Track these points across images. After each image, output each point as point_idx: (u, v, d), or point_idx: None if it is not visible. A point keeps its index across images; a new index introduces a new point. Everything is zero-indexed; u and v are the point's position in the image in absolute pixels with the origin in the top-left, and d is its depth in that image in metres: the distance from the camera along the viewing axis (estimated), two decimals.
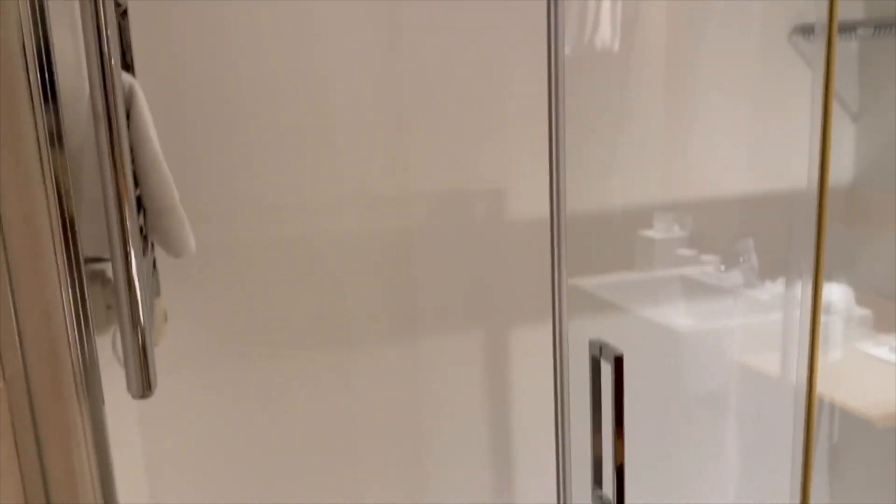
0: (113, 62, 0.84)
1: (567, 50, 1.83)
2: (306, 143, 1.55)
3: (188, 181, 1.49)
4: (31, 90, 0.67)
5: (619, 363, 0.97)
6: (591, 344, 1.03)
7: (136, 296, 0.89)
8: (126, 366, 0.90)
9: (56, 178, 0.69)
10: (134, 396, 0.91)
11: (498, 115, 1.69)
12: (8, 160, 0.65)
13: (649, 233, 2.25)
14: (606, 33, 2.05)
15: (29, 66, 0.67)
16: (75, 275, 0.72)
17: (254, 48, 1.48)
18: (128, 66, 1.28)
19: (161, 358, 1.53)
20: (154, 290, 1.37)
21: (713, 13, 2.05)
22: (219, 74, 1.47)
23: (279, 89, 1.52)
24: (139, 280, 0.89)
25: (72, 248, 0.71)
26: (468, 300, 1.74)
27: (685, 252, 2.28)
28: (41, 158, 0.67)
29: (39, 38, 0.70)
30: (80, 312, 0.74)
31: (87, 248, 0.99)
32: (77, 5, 0.80)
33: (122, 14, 1.25)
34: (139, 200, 1.06)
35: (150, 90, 1.43)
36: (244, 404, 1.61)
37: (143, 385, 0.91)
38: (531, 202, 1.76)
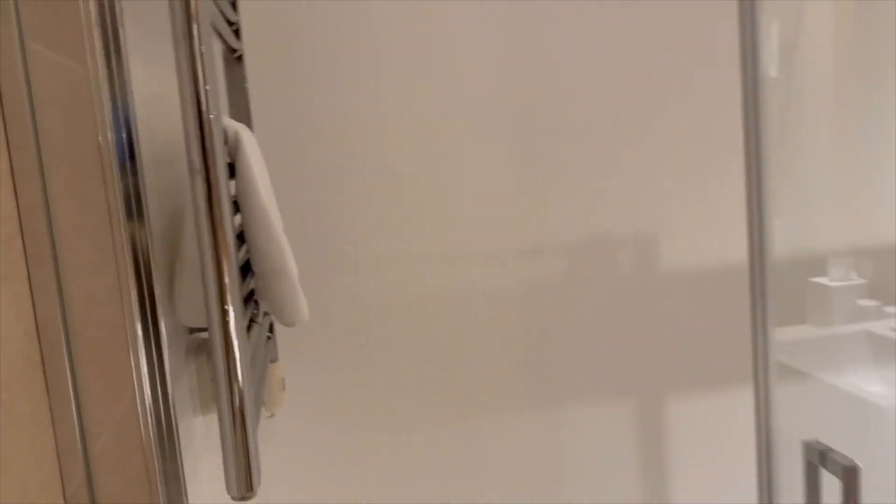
0: (208, 110, 0.72)
1: (728, 80, 1.60)
2: (431, 193, 1.41)
3: (304, 237, 1.38)
4: (102, 154, 0.55)
5: (851, 477, 0.72)
6: (808, 447, 0.79)
7: (236, 381, 0.76)
8: (225, 463, 0.77)
9: (134, 249, 0.57)
10: (234, 498, 0.76)
11: (644, 153, 1.48)
12: (78, 230, 0.53)
13: (822, 280, 1.94)
14: (764, 62, 1.80)
15: (99, 127, 0.55)
16: (156, 364, 0.59)
17: (375, 94, 1.37)
18: (245, 112, 1.19)
19: (279, 427, 1.41)
20: (269, 356, 1.26)
21: (888, 32, 1.76)
22: (337, 122, 1.37)
23: (401, 135, 1.39)
24: (241, 356, 0.75)
25: (152, 331, 0.58)
26: (616, 361, 1.52)
27: (866, 303, 1.95)
28: (112, 229, 0.54)
29: (116, 94, 0.58)
30: (162, 407, 0.61)
31: (191, 317, 0.87)
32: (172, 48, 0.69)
33: (237, 59, 1.17)
34: (248, 262, 0.94)
35: (265, 139, 1.34)
36: (368, 475, 1.46)
37: (243, 484, 0.77)
38: (689, 249, 1.53)
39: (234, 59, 1.17)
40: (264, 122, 1.34)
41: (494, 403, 1.49)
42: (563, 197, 1.46)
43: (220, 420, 0.76)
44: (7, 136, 0.50)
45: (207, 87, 0.72)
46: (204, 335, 0.96)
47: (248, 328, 0.95)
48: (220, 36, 1.02)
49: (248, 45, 1.28)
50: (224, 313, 0.75)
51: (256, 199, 0.84)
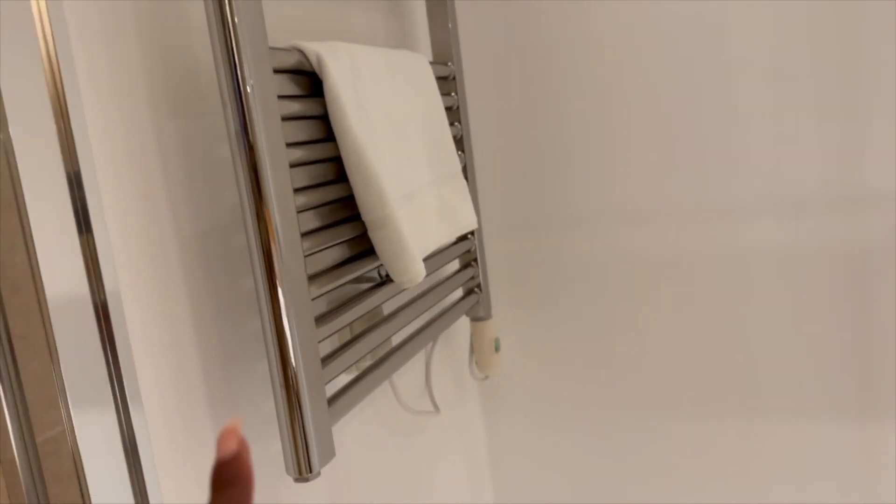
0: (234, 19, 0.61)
1: None
2: (695, 123, 1.09)
3: (539, 182, 1.19)
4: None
5: None
6: None
7: (287, 354, 0.65)
8: (281, 440, 0.68)
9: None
10: (293, 478, 0.68)
11: None
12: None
13: None
14: None
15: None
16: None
17: (624, 11, 1.09)
18: (444, 30, 1.05)
19: (491, 392, 1.28)
20: (472, 313, 1.12)
21: None
22: (569, 36, 1.13)
23: (650, 46, 1.09)
24: (295, 325, 0.65)
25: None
26: None
27: None
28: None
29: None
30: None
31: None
32: None
33: None
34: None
35: (476, 65, 1.18)
36: (593, 466, 1.25)
37: (299, 465, 0.67)
38: None
39: None
40: (474, 44, 1.17)
41: (789, 403, 1.13)
42: (889, 135, 1.00)
43: (276, 405, 0.67)
44: None
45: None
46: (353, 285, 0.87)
47: (380, 286, 0.83)
48: None
49: None
50: (273, 290, 0.65)
51: (349, 135, 0.71)
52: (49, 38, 0.51)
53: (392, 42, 1.06)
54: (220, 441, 0.28)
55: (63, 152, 0.52)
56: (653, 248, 1.15)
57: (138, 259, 0.61)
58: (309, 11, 0.86)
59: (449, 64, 1.05)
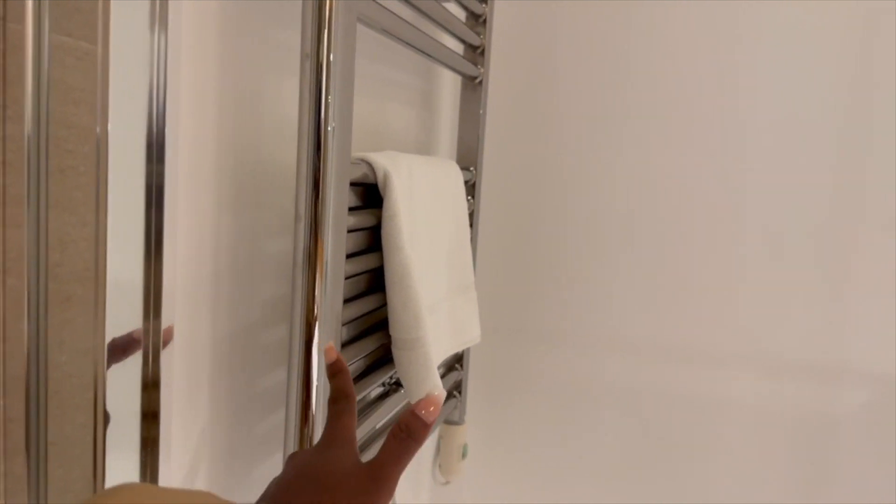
0: (325, 140, 0.59)
1: None
2: (694, 271, 1.13)
3: (533, 296, 1.20)
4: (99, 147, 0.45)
5: None
6: None
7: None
8: None
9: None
10: None
11: None
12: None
13: None
14: None
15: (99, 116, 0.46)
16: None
17: (638, 139, 1.13)
18: (474, 142, 1.06)
19: (445, 497, 1.26)
20: (449, 417, 1.11)
21: None
22: (585, 165, 1.16)
23: (662, 192, 1.14)
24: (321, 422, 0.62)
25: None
26: None
27: None
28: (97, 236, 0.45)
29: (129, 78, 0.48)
30: None
31: None
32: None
33: (478, 84, 1.04)
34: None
35: (496, 175, 1.19)
36: None
37: None
38: None
39: (473, 84, 1.04)
40: (497, 157, 1.19)
41: None
42: (879, 316, 1.07)
43: None
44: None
45: (332, 125, 0.60)
46: None
47: (387, 394, 0.81)
48: (448, 65, 0.90)
49: (495, 69, 1.15)
50: (307, 388, 0.63)
51: (397, 253, 0.70)
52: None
53: (420, 139, 1.06)
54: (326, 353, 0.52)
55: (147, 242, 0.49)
56: (629, 381, 1.17)
57: (172, 355, 0.58)
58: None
59: (471, 169, 1.06)
